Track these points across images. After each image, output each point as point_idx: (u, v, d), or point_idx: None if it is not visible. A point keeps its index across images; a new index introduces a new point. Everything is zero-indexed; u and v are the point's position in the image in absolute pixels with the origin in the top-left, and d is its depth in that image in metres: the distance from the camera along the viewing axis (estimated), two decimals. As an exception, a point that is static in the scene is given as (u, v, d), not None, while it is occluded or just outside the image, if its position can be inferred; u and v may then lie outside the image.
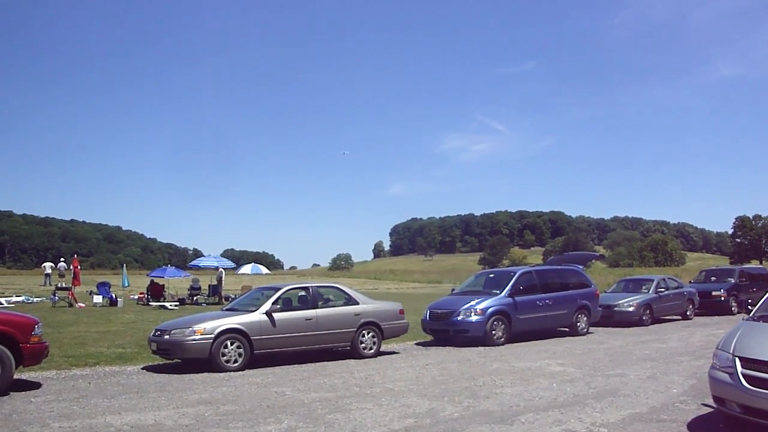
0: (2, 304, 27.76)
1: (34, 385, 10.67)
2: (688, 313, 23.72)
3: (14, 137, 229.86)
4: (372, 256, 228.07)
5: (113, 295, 30.61)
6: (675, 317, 23.62)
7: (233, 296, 27.70)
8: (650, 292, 22.43)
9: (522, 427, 7.62)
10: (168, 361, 13.00)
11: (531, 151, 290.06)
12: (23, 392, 10.06)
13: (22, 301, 30.65)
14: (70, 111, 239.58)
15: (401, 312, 15.26)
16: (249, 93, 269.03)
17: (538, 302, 17.43)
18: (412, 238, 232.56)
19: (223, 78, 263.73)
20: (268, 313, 13.01)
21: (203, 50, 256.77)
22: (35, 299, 32.08)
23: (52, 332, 16.39)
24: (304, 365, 13.02)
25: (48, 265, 48.40)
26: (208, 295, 33.53)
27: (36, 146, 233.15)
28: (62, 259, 47.67)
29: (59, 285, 34.41)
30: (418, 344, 16.77)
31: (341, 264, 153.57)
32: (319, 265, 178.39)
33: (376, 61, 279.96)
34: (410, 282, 74.79)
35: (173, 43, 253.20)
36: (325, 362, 13.41)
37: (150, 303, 30.48)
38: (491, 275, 19.67)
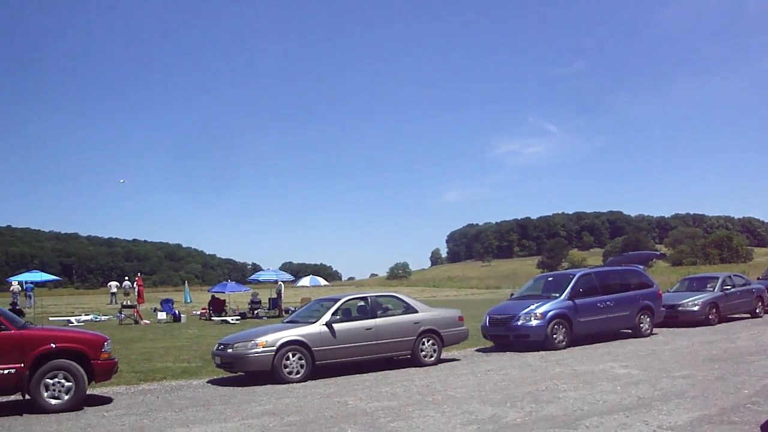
0: (73, 323, 28.64)
1: (106, 400, 10.99)
2: (757, 311, 22.96)
3: (77, 164, 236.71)
4: (429, 264, 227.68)
5: (176, 312, 31.28)
6: (743, 316, 22.93)
7: (293, 309, 28.01)
8: (715, 290, 21.74)
9: (586, 431, 7.54)
10: (232, 374, 13.23)
11: (585, 150, 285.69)
12: (96, 407, 10.39)
13: (91, 320, 31.54)
14: (122, 133, 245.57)
15: (461, 319, 15.22)
16: (306, 119, 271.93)
17: (599, 304, 17.17)
18: (468, 245, 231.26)
19: (270, 104, 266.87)
20: (328, 324, 13.14)
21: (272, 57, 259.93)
22: (103, 317, 33.01)
23: (120, 349, 16.83)
24: (365, 375, 13.09)
25: (113, 284, 49.71)
26: (269, 308, 33.97)
27: (97, 171, 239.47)
28: (126, 278, 49.00)
29: (125, 303, 35.29)
30: (478, 350, 16.69)
31: (399, 273, 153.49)
32: (377, 275, 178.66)
33: (425, 69, 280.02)
34: (468, 288, 74.49)
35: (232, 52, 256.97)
36: (386, 371, 13.45)
37: (212, 318, 31.01)
38: (550, 278, 19.46)
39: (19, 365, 9.89)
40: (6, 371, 9.84)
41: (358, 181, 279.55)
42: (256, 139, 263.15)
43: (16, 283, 38.03)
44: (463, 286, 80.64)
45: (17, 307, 30.71)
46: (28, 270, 47.18)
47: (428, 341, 14.26)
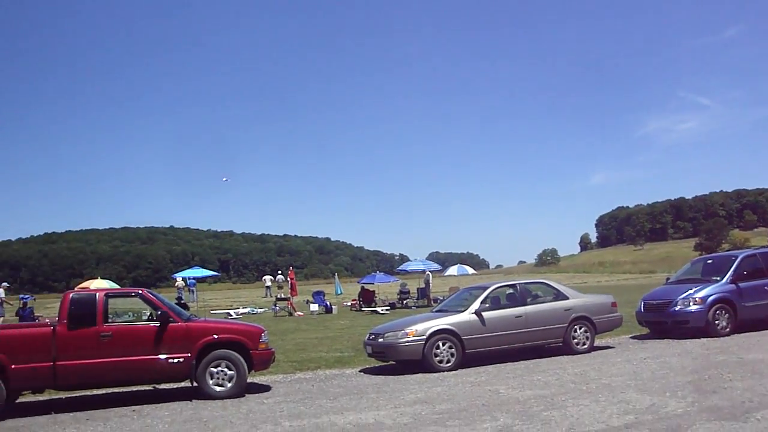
0: (232, 315, 30.18)
1: (265, 388, 11.49)
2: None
3: (232, 166, 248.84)
4: (578, 249, 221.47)
5: (328, 303, 32.22)
6: None
7: (441, 298, 28.10)
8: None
9: (757, 425, 7.02)
10: (383, 363, 13.45)
11: (744, 123, 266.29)
12: (256, 394, 10.89)
13: (248, 312, 33.09)
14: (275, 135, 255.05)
15: (614, 305, 14.69)
16: (436, 105, 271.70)
17: (766, 288, 16.01)
18: (619, 228, 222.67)
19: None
20: (478, 313, 13.06)
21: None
22: (259, 310, 34.54)
23: (275, 339, 17.53)
24: (516, 363, 12.91)
25: (267, 278, 51.85)
26: (417, 298, 34.28)
27: (251, 172, 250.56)
28: (279, 271, 50.97)
29: (279, 296, 36.74)
30: (633, 338, 16.06)
31: (547, 259, 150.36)
32: (525, 262, 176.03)
33: (567, 47, 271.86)
34: (621, 273, 71.87)
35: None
36: (537, 360, 13.21)
37: (362, 309, 31.66)
38: (709, 261, 18.35)
39: (186, 354, 10.56)
40: (176, 360, 10.53)
41: (503, 169, 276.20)
42: (407, 130, 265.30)
43: (180, 279, 40.55)
44: (615, 271, 77.87)
45: (182, 301, 32.75)
46: (190, 267, 50.22)
47: (580, 328, 13.86)
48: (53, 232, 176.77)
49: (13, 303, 32.98)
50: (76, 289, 18.31)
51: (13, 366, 9.99)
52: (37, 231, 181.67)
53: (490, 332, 12.99)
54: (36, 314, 29.04)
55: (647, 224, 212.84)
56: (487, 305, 13.35)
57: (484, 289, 13.87)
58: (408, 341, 12.46)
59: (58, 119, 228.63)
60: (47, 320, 15.84)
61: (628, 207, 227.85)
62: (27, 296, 32.37)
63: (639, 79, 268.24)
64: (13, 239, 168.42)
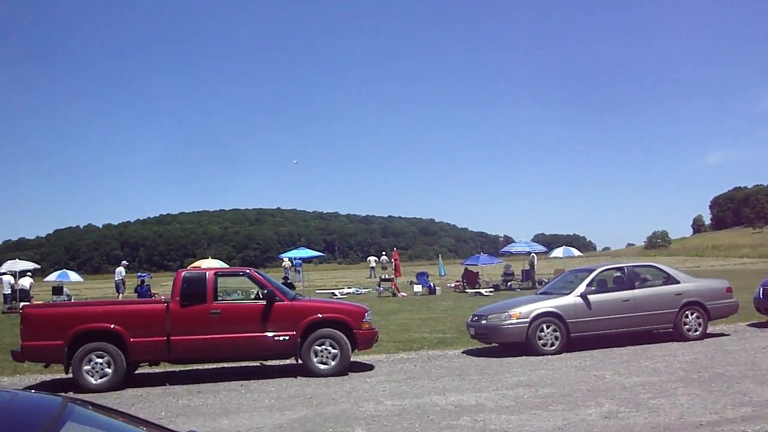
0: (336, 295, 30.72)
1: (368, 367, 11.64)
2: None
3: (337, 148, 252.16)
4: (691, 231, 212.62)
5: (431, 284, 32.24)
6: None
7: (546, 280, 27.63)
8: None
9: None
10: (486, 345, 13.36)
11: None
12: (359, 373, 11.05)
13: (353, 292, 33.57)
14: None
15: (729, 290, 14.00)
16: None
17: None
18: (736, 210, 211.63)
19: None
20: (583, 296, 12.76)
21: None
22: (363, 290, 34.98)
23: (379, 320, 17.70)
24: (623, 348, 12.52)
25: (372, 258, 52.44)
26: (522, 280, 33.84)
27: (353, 155, 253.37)
28: (383, 252, 51.45)
29: (383, 277, 37.03)
30: (750, 325, 15.27)
31: (657, 242, 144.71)
32: (633, 245, 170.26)
33: (678, 21, 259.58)
34: (737, 257, 68.43)
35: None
36: (645, 345, 12.77)
37: (466, 290, 31.52)
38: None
39: (291, 332, 10.84)
40: (282, 338, 10.83)
41: (612, 146, 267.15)
42: (513, 109, 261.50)
43: (287, 259, 41.51)
44: (731, 255, 74.16)
45: (288, 281, 33.52)
46: (296, 247, 51.33)
47: (692, 314, 13.30)
48: (167, 214, 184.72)
49: (131, 281, 34.77)
50: (188, 268, 19.07)
51: (131, 339, 10.56)
52: (153, 213, 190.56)
53: (595, 316, 12.67)
54: (152, 291, 30.49)
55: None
56: (593, 288, 13.00)
57: (591, 271, 13.52)
58: (512, 323, 12.32)
59: (178, 105, 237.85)
60: (162, 297, 16.58)
61: (746, 187, 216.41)
62: (144, 274, 34.04)
63: (759, 52, 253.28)
64: (131, 221, 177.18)
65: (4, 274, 31.51)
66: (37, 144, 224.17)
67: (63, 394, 2.56)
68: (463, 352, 13.17)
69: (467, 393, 8.97)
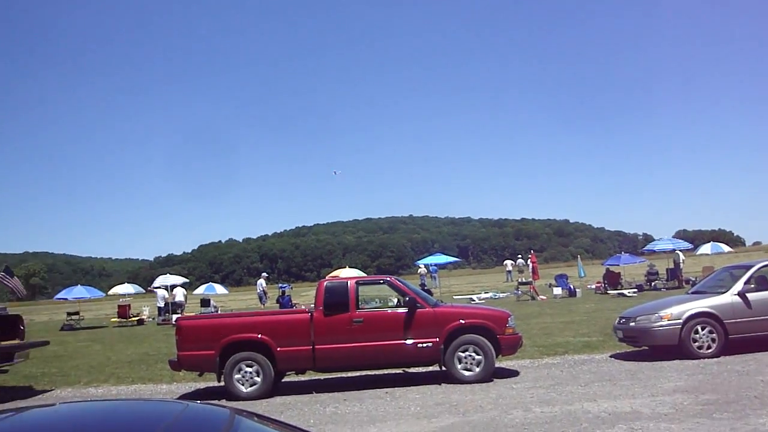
0: (474, 300, 30.47)
1: (513, 373, 11.41)
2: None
3: (467, 152, 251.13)
4: None
5: (571, 286, 31.40)
6: None
7: (694, 279, 26.26)
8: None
9: None
10: (635, 349, 12.78)
11: None
12: (504, 379, 10.85)
13: (490, 297, 33.22)
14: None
15: None
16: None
17: None
18: None
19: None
20: (741, 294, 11.94)
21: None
22: (501, 294, 34.54)
23: (520, 324, 17.25)
24: (790, 350, 11.63)
25: (508, 262, 51.78)
26: (667, 279, 32.37)
27: (482, 158, 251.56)
28: (520, 255, 50.67)
29: (520, 280, 36.48)
30: None
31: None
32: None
33: None
34: None
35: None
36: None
37: (608, 291, 30.50)
38: None
39: (434, 339, 10.80)
40: (425, 344, 10.81)
41: (758, 134, 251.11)
42: (656, 101, 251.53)
43: (423, 266, 41.69)
44: None
45: (425, 288, 33.62)
46: (431, 253, 51.45)
47: None
48: (303, 226, 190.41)
49: (272, 292, 35.99)
50: (327, 277, 19.47)
51: (278, 349, 10.86)
52: (289, 226, 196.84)
53: (756, 316, 11.80)
54: (293, 302, 31.41)
55: None
56: (752, 286, 12.15)
57: (748, 268, 12.64)
58: (662, 325, 11.72)
59: (307, 123, 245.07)
60: (304, 307, 17.00)
61: None
62: (285, 285, 35.20)
63: None
64: (269, 234, 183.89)
65: (158, 288, 33.43)
66: (184, 168, 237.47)
67: (225, 403, 2.61)
68: (611, 356, 12.66)
69: (620, 399, 8.59)
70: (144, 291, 43.09)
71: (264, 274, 36.94)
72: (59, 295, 38.53)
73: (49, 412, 2.73)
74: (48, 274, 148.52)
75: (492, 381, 10.68)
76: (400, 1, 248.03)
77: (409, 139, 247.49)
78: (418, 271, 43.06)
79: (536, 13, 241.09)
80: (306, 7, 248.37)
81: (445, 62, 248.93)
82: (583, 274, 38.97)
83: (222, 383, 10.99)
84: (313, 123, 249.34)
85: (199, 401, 2.92)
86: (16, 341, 13.63)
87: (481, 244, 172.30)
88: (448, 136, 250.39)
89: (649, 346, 12.33)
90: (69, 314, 33.29)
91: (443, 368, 10.95)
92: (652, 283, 31.74)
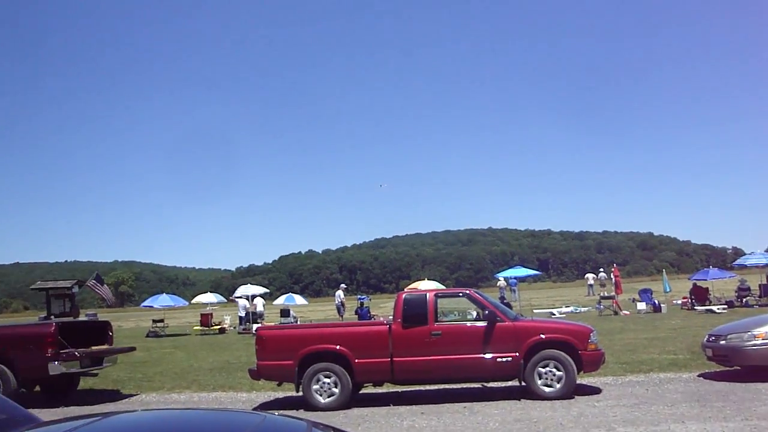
0: (555, 314, 29.92)
1: (595, 390, 11.09)
2: None
3: (543, 165, 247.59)
4: None
5: (656, 301, 30.46)
6: None
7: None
8: None
9: None
10: (726, 369, 12.22)
11: None
12: (586, 396, 10.55)
13: (572, 311, 32.54)
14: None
15: None
16: None
17: None
18: None
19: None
20: (841, 313, 11.30)
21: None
22: (582, 309, 33.79)
23: (602, 339, 16.77)
24: None
25: (590, 276, 50.57)
26: (760, 296, 30.98)
27: (566, 167, 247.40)
28: (601, 269, 49.42)
29: (602, 294, 35.62)
30: None
31: None
32: None
33: None
34: None
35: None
36: None
37: (695, 307, 29.43)
38: None
39: (514, 354, 10.60)
40: (504, 359, 10.62)
41: None
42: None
43: (502, 278, 41.19)
44: None
45: (504, 301, 33.19)
46: (510, 266, 50.82)
47: None
48: (382, 238, 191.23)
49: (350, 303, 36.22)
50: (406, 289, 19.43)
51: (357, 360, 10.86)
52: (368, 237, 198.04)
53: None
54: (372, 313, 31.51)
55: None
56: None
57: None
58: (757, 344, 11.16)
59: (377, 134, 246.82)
60: (382, 319, 17.00)
61: None
62: (364, 297, 35.40)
63: None
64: (348, 245, 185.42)
65: (240, 297, 34.12)
66: (267, 180, 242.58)
67: (303, 415, 2.60)
68: (698, 376, 12.15)
69: (711, 422, 8.21)
70: (226, 300, 44.09)
71: (342, 286, 37.26)
72: (145, 303, 39.94)
73: (131, 418, 2.78)
74: (135, 282, 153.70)
75: (573, 398, 10.39)
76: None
77: (489, 151, 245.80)
78: (498, 284, 42.55)
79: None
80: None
81: (526, 72, 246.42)
82: (668, 289, 37.67)
83: (300, 393, 11.06)
84: (391, 135, 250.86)
85: (276, 413, 2.92)
86: (105, 347, 14.16)
87: (562, 257, 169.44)
88: (527, 148, 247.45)
89: (741, 366, 11.75)
90: (154, 321, 34.30)
91: (523, 383, 10.74)
92: (744, 300, 30.42)
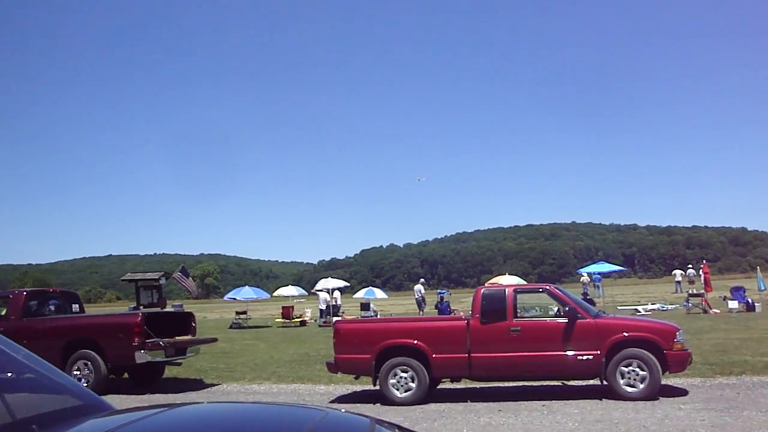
0: (640, 312, 29.03)
1: (681, 392, 10.65)
2: None
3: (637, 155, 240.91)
4: None
5: (749, 300, 29.19)
6: None
7: None
8: None
9: None
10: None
11: None
12: (671, 398, 10.14)
13: (658, 309, 31.51)
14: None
15: None
16: None
17: None
18: None
19: None
20: None
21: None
22: (669, 306, 32.70)
23: (689, 339, 16.21)
24: None
25: (677, 272, 49.01)
26: None
27: (651, 159, 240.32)
28: (690, 265, 47.77)
29: (691, 291, 34.42)
30: None
31: None
32: None
33: None
34: None
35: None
36: None
37: (792, 307, 28.09)
38: None
39: (595, 352, 10.29)
40: (585, 357, 10.33)
41: None
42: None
43: (586, 274, 40.36)
44: None
45: (587, 297, 32.47)
46: (594, 262, 49.70)
47: None
48: (463, 232, 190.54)
49: (431, 298, 36.14)
50: (486, 284, 19.20)
51: (434, 355, 10.77)
52: (449, 231, 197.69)
53: None
54: (452, 308, 31.35)
55: None
56: None
57: None
58: None
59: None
60: (462, 314, 16.86)
61: None
62: (444, 291, 35.26)
63: None
64: (429, 239, 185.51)
65: (320, 291, 34.53)
66: (348, 174, 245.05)
67: (374, 407, 2.53)
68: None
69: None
70: (307, 293, 44.70)
71: (421, 280, 37.24)
72: (229, 295, 40.89)
73: (195, 410, 2.79)
74: (220, 274, 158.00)
75: (657, 399, 10.00)
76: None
77: (573, 144, 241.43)
78: (581, 280, 41.74)
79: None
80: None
81: (617, 68, 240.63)
82: (763, 287, 36.06)
83: (377, 387, 11.05)
84: (474, 128, 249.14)
85: (343, 409, 2.87)
86: (188, 337, 14.53)
87: (648, 252, 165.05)
88: (612, 140, 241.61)
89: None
90: (237, 313, 35.06)
91: (604, 382, 10.41)
92: None
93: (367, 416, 2.79)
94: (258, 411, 2.90)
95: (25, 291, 15.31)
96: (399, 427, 2.87)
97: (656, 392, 10.12)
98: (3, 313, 14.25)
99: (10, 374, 2.40)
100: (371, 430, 2.55)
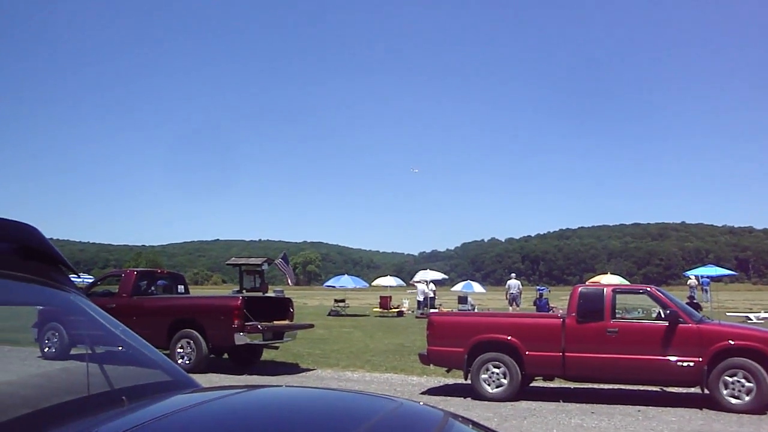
0: (752, 320, 27.57)
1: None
2: None
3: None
4: None
5: None
6: None
7: None
8: None
9: None
10: None
11: None
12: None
13: (773, 317, 29.92)
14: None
15: None
16: None
17: None
18: None
19: None
20: None
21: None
22: (786, 315, 30.97)
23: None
24: None
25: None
26: None
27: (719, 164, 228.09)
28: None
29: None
30: None
31: None
32: None
33: None
34: None
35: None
36: None
37: None
38: None
39: (697, 359, 9.83)
40: (685, 363, 9.89)
41: None
42: None
43: (693, 277, 38.75)
44: None
45: (694, 301, 31.14)
46: (703, 264, 47.70)
47: None
48: (567, 228, 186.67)
49: (528, 294, 35.57)
50: (586, 283, 18.71)
51: (527, 352, 10.59)
52: (553, 227, 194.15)
53: None
54: (551, 305, 30.76)
55: None
56: None
57: None
58: None
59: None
60: (560, 312, 16.52)
61: None
62: (543, 288, 34.66)
63: None
64: (532, 235, 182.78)
65: (419, 282, 34.64)
66: (452, 164, 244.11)
67: (443, 409, 2.50)
68: None
69: None
70: (405, 284, 44.91)
71: (512, 275, 36.66)
72: (328, 283, 41.67)
73: (274, 393, 2.83)
74: (322, 262, 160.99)
75: (765, 414, 9.46)
76: None
77: (682, 142, 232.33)
78: (688, 283, 40.05)
79: None
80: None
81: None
82: None
83: (469, 381, 10.97)
84: (583, 123, 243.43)
85: (420, 402, 2.85)
86: (286, 322, 14.87)
87: (765, 257, 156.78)
88: (724, 137, 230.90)
89: None
90: (336, 301, 35.65)
91: (706, 391, 9.95)
92: None
93: (441, 410, 2.75)
94: (333, 398, 2.92)
95: (135, 271, 16.08)
96: (474, 423, 2.82)
97: (764, 406, 9.57)
98: (115, 290, 15.03)
99: (116, 347, 2.52)
100: (444, 423, 2.51)
